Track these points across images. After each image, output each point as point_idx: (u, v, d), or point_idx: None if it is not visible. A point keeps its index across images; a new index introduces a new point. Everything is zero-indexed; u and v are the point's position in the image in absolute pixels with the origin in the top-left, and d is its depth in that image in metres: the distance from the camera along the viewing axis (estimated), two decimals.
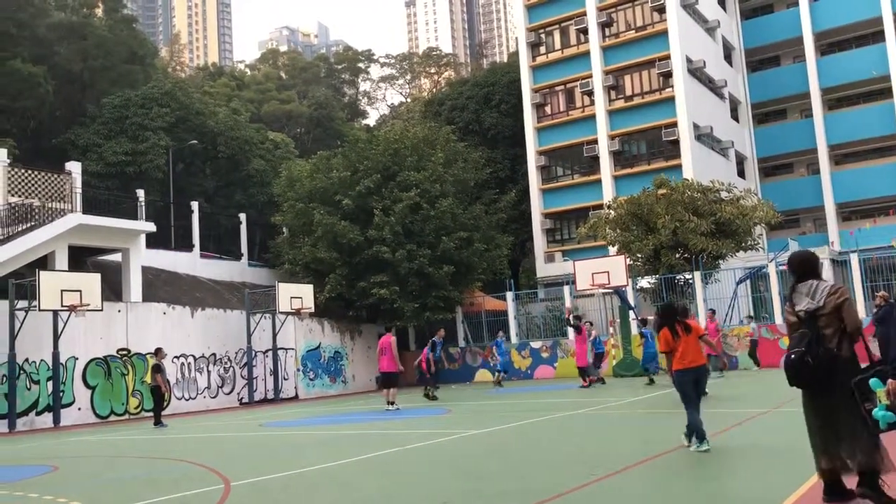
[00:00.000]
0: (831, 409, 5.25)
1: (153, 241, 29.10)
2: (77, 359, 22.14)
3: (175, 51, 77.38)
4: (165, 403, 21.20)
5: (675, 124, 38.06)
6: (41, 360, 21.31)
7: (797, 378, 5.28)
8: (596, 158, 40.24)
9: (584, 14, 41.19)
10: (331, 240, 29.58)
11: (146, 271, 27.33)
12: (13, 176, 24.58)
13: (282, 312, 26.86)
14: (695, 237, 27.04)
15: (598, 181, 39.91)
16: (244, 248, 34.89)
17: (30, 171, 25.24)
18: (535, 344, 29.77)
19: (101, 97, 37.64)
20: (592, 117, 40.49)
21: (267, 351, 27.83)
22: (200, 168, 40.27)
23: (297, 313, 27.28)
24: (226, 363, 26.87)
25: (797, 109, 47.47)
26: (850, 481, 5.31)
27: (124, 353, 23.47)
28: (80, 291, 20.65)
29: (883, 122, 42.95)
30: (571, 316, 24.37)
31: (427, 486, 7.74)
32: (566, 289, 29.45)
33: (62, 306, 20.37)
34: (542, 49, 43.15)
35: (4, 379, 20.36)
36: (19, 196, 24.40)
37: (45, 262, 22.91)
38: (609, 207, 30.99)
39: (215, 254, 34.17)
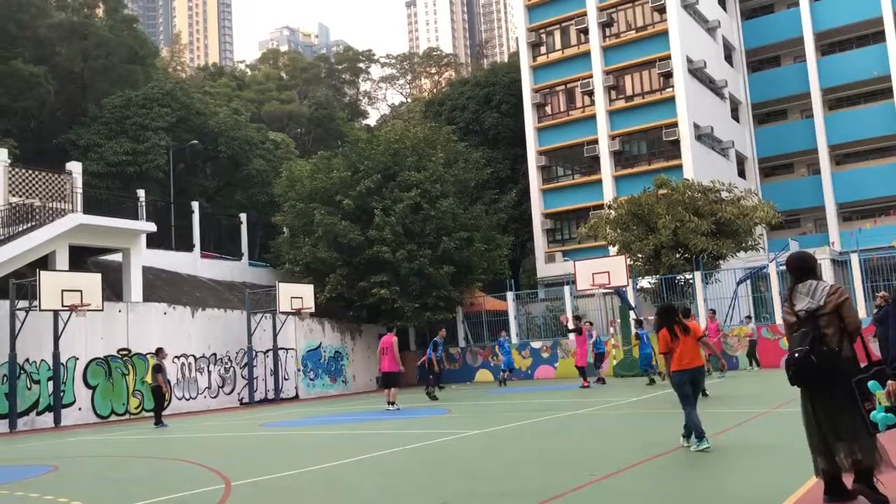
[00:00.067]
0: (832, 409, 5.26)
1: (154, 242, 29.09)
2: (78, 359, 22.15)
3: (176, 51, 77.32)
4: (166, 403, 21.19)
5: (675, 124, 38.07)
6: (42, 360, 21.31)
7: (800, 376, 5.27)
8: (596, 158, 40.24)
9: (585, 14, 41.21)
10: (331, 240, 29.59)
11: (147, 271, 27.33)
12: (14, 176, 24.59)
13: (282, 312, 26.86)
14: (695, 237, 27.04)
15: (599, 181, 39.92)
16: (245, 248, 34.89)
17: (30, 171, 25.25)
18: (536, 344, 29.77)
19: (102, 97, 37.66)
20: (593, 117, 40.50)
21: (267, 351, 27.83)
22: (201, 168, 40.30)
23: (297, 313, 27.28)
24: (226, 363, 26.87)
25: (797, 109, 47.46)
26: (849, 480, 5.32)
27: (125, 353, 23.48)
28: (80, 291, 20.64)
29: (883, 122, 42.95)
30: (571, 318, 24.38)
31: (427, 487, 7.75)
32: (566, 289, 29.45)
33: (63, 306, 20.37)
34: (543, 49, 43.16)
35: (5, 379, 20.36)
36: (20, 196, 24.41)
37: (45, 262, 22.90)
38: (609, 207, 31.00)
39: (216, 254, 34.16)
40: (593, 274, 24.72)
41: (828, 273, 29.33)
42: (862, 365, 5.21)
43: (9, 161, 24.86)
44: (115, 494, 8.55)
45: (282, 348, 28.06)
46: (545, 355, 29.31)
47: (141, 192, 29.67)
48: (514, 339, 30.00)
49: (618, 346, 27.12)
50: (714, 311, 24.57)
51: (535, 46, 43.30)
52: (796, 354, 5.25)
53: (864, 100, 45.20)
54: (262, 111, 52.89)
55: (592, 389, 20.77)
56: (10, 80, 34.34)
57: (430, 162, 31.18)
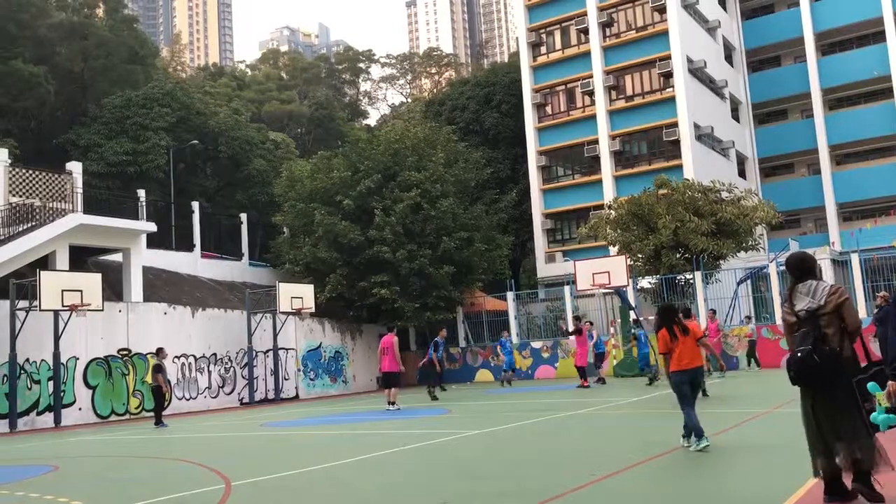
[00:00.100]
0: (832, 409, 5.26)
1: (154, 242, 29.09)
2: (78, 359, 22.15)
3: (176, 51, 77.33)
4: (166, 403, 21.19)
5: (675, 124, 38.06)
6: (42, 360, 21.32)
7: (802, 376, 5.27)
8: (597, 158, 40.24)
9: (585, 14, 41.21)
10: (331, 240, 29.59)
11: (147, 271, 27.33)
12: (14, 176, 24.59)
13: (282, 312, 26.86)
14: (695, 237, 27.03)
15: (599, 181, 39.92)
16: (245, 249, 34.89)
17: (31, 171, 25.25)
18: (536, 344, 29.77)
19: (102, 97, 37.67)
20: (593, 117, 40.50)
21: (268, 351, 27.84)
22: (201, 168, 40.30)
23: (297, 313, 27.28)
24: (226, 363, 26.87)
25: (798, 109, 47.46)
26: (849, 480, 5.33)
27: (125, 353, 23.48)
28: (80, 291, 20.64)
29: (884, 122, 42.95)
30: (571, 320, 24.37)
31: (426, 487, 7.75)
32: (567, 289, 29.45)
33: (63, 306, 20.37)
34: (543, 49, 43.16)
35: (5, 379, 20.37)
36: (20, 196, 24.41)
37: (45, 262, 22.91)
38: (610, 207, 30.99)
39: (216, 254, 34.17)
40: (593, 274, 24.70)
41: (828, 273, 29.32)
42: (862, 365, 5.22)
43: (9, 161, 24.86)
44: (115, 494, 8.55)
45: (282, 348, 28.06)
46: (545, 355, 29.31)
47: (141, 192, 29.68)
48: (515, 339, 30.00)
49: (618, 346, 27.12)
50: (714, 311, 24.58)
51: (535, 46, 43.29)
52: (799, 354, 5.25)
53: (864, 100, 45.20)
54: (263, 111, 52.92)
55: (592, 389, 20.76)
56: (11, 80, 34.34)
57: (431, 162, 31.18)
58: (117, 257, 26.51)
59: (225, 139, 38.18)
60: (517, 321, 30.69)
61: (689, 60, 39.19)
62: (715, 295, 27.67)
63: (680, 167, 36.87)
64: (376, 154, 31.31)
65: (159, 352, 19.48)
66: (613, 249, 30.54)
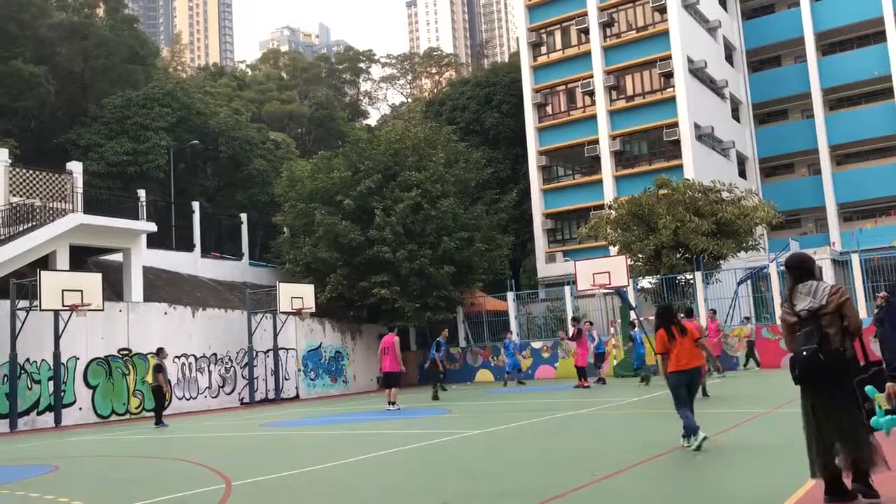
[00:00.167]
0: (832, 409, 5.26)
1: (154, 241, 29.10)
2: (78, 359, 22.15)
3: (176, 51, 77.35)
4: (166, 403, 21.20)
5: (676, 124, 38.07)
6: (42, 360, 21.32)
7: (807, 375, 5.26)
8: (597, 158, 40.25)
9: (586, 14, 41.21)
10: (332, 240, 29.59)
11: (147, 271, 27.34)
12: (14, 176, 24.59)
13: (283, 312, 26.87)
14: (696, 237, 27.03)
15: (599, 181, 39.92)
16: (245, 248, 34.90)
17: (31, 171, 25.25)
18: (536, 344, 29.77)
19: (103, 97, 37.68)
20: (593, 117, 40.51)
21: (268, 351, 27.83)
22: (201, 168, 40.31)
23: (297, 313, 27.28)
24: (227, 363, 26.87)
25: (798, 109, 47.46)
26: (849, 480, 5.33)
27: (125, 352, 23.48)
28: (81, 291, 20.64)
29: (884, 122, 42.95)
30: (570, 321, 24.38)
31: (427, 487, 7.75)
32: (567, 289, 29.46)
33: (63, 306, 20.37)
34: (543, 49, 43.17)
35: (6, 379, 20.37)
36: (20, 196, 24.41)
37: (46, 262, 22.91)
38: (610, 207, 31.00)
39: (216, 254, 34.18)
40: (594, 274, 24.70)
41: (828, 273, 29.32)
42: (861, 364, 5.23)
43: (9, 161, 24.87)
44: (116, 494, 8.55)
45: (282, 348, 28.06)
46: (546, 355, 29.32)
47: (141, 192, 29.69)
48: (515, 340, 29.98)
49: (618, 347, 27.11)
50: (714, 312, 24.58)
51: (535, 46, 43.30)
52: (804, 353, 5.23)
53: (864, 100, 45.20)
54: (263, 111, 52.92)
55: (592, 389, 20.77)
56: (11, 80, 34.35)
57: (431, 162, 31.18)
58: (117, 257, 26.52)
59: (225, 139, 38.19)
60: (517, 321, 30.68)
61: (690, 60, 39.19)
62: (715, 295, 27.67)
63: (680, 167, 36.88)
64: (377, 154, 31.31)
65: (160, 352, 19.49)
66: (614, 249, 30.55)
